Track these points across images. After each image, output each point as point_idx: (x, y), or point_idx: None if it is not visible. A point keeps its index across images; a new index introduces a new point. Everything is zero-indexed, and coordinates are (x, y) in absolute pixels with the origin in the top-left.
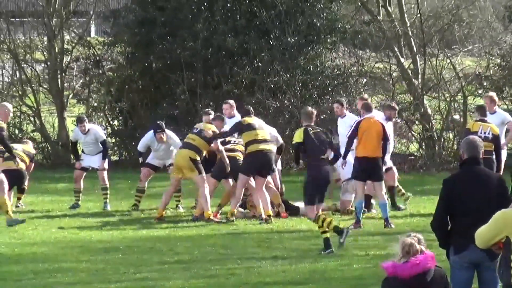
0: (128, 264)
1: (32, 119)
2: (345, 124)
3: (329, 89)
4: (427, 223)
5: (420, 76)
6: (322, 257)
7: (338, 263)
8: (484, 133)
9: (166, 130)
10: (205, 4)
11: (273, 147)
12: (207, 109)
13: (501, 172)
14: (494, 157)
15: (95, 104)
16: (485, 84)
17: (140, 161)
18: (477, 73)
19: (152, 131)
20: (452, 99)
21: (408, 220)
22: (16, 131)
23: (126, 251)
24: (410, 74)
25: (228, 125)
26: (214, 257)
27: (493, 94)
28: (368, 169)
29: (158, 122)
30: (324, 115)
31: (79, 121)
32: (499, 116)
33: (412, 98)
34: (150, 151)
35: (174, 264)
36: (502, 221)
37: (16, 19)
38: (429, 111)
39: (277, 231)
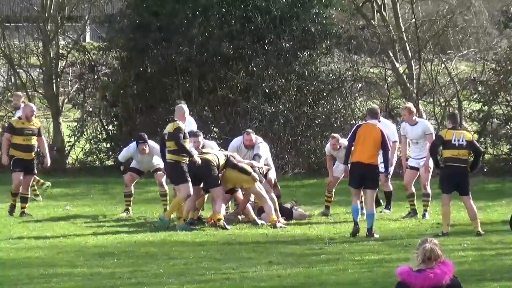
0: (123, 269)
1: None
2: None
3: (324, 94)
4: (421, 229)
5: (415, 81)
6: (317, 262)
7: (333, 268)
8: (458, 140)
9: (149, 141)
10: (200, 9)
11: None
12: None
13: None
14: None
15: (90, 109)
16: (480, 89)
17: (122, 169)
18: (472, 78)
19: (134, 142)
20: (447, 104)
21: (403, 225)
22: None
23: (121, 256)
24: (405, 79)
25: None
26: (209, 262)
27: (410, 105)
28: (361, 175)
29: (140, 133)
30: (319, 120)
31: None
32: (421, 126)
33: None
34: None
35: (169, 269)
36: None
37: (11, 24)
38: (424, 116)
39: (272, 236)
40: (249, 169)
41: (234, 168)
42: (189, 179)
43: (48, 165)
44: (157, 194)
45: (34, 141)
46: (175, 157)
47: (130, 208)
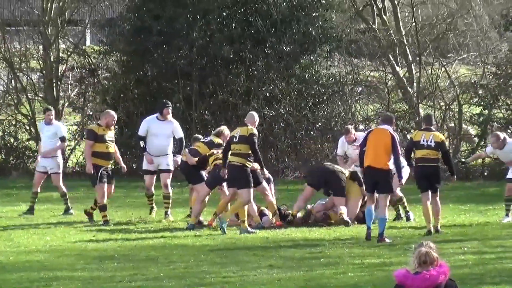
0: (123, 272)
1: (27, 127)
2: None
3: (325, 97)
4: (422, 232)
5: (415, 84)
6: (317, 265)
7: (333, 271)
8: (426, 141)
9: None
10: (201, 13)
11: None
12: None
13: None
14: (440, 164)
15: (91, 113)
16: (480, 92)
17: (142, 146)
18: (472, 81)
19: (153, 115)
20: (447, 107)
21: (403, 229)
22: (12, 140)
23: (121, 259)
24: (406, 83)
25: None
26: (209, 266)
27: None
28: (373, 180)
29: (164, 100)
30: (319, 124)
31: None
32: None
33: (407, 107)
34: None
35: (169, 273)
36: None
37: (12, 28)
38: None
39: (273, 240)
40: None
41: None
42: (252, 184)
43: (125, 170)
44: (157, 198)
45: (113, 148)
46: (242, 160)
47: (153, 206)
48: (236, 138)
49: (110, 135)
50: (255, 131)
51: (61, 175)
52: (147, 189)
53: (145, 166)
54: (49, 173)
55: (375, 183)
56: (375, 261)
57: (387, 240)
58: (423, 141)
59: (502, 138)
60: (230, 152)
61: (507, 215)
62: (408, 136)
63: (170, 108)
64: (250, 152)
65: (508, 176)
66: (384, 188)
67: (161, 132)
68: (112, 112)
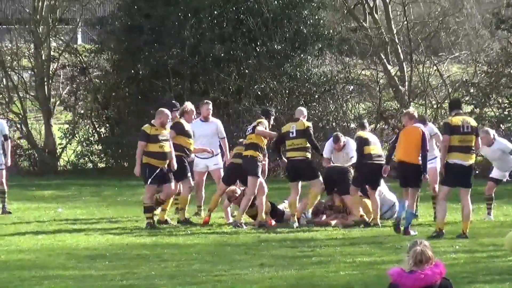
0: (115, 271)
1: (18, 126)
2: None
3: (316, 96)
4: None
5: (407, 83)
6: (309, 264)
7: (325, 270)
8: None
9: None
10: (192, 11)
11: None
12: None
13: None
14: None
15: (82, 112)
16: (471, 91)
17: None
18: (464, 80)
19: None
20: (438, 106)
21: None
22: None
23: (113, 258)
24: (397, 81)
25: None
26: (201, 264)
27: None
28: (404, 174)
29: (173, 101)
30: (311, 122)
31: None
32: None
33: (399, 105)
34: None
35: (160, 271)
36: None
37: (3, 26)
38: None
39: (264, 238)
40: None
41: None
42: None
43: (175, 168)
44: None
45: (168, 148)
46: (304, 153)
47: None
48: (293, 134)
49: (165, 134)
50: (310, 124)
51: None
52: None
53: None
54: None
55: (406, 177)
56: (367, 259)
57: (412, 232)
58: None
59: (491, 135)
60: (288, 147)
61: (489, 213)
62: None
63: (178, 111)
64: (308, 144)
65: (490, 175)
66: (413, 183)
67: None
68: (167, 111)
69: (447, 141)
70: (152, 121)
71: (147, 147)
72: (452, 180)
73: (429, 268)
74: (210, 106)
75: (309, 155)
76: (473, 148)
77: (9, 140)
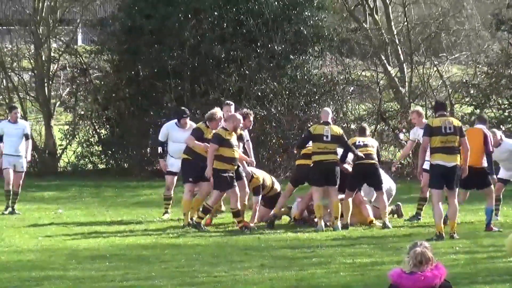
0: (115, 272)
1: None
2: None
3: (316, 97)
4: (414, 232)
5: (407, 84)
6: (309, 265)
7: (325, 271)
8: (363, 142)
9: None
10: (192, 12)
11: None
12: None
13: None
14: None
15: (82, 112)
16: (472, 92)
17: (160, 152)
18: (464, 81)
19: (172, 121)
20: None
21: (394, 229)
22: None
23: (113, 259)
24: (397, 82)
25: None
26: (201, 265)
27: (418, 108)
28: (471, 177)
29: (183, 108)
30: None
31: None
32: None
33: (399, 106)
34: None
35: (161, 272)
36: None
37: (3, 27)
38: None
39: (264, 240)
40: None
41: None
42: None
43: (254, 164)
44: (149, 197)
45: (238, 153)
46: (336, 157)
47: (169, 210)
48: (327, 138)
49: (235, 139)
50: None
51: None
52: (167, 189)
53: (169, 167)
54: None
55: (471, 181)
56: (367, 260)
57: (494, 228)
58: (359, 142)
59: (499, 136)
60: (318, 150)
61: (496, 214)
62: (401, 136)
63: (188, 117)
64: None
65: (498, 176)
66: (483, 184)
67: (180, 136)
68: (239, 116)
69: (426, 143)
70: (225, 125)
71: (219, 151)
72: (438, 181)
73: (429, 269)
74: (233, 108)
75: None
76: (458, 149)
77: (30, 140)
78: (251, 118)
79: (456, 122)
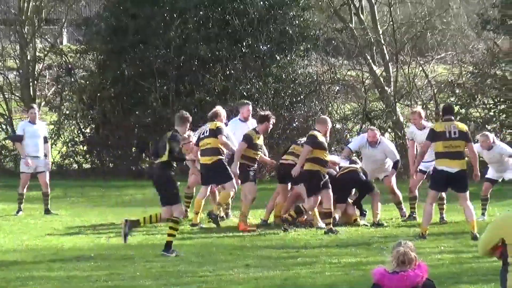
0: (100, 272)
1: (4, 127)
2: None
3: (302, 96)
4: (399, 232)
5: (392, 83)
6: (294, 264)
7: (310, 271)
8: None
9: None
10: (178, 12)
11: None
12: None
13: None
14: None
15: (67, 112)
16: (457, 91)
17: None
18: (450, 80)
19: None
20: (424, 106)
21: (379, 228)
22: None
23: (98, 259)
24: (383, 82)
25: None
26: (186, 265)
27: (419, 109)
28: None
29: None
30: (297, 123)
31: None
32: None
33: (384, 106)
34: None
35: (146, 272)
36: (500, 222)
37: None
38: (401, 118)
39: (249, 240)
40: None
41: None
42: None
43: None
44: (134, 197)
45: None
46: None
47: (188, 209)
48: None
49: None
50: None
51: None
52: (188, 187)
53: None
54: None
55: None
56: (352, 260)
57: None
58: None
59: (491, 139)
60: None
61: (483, 214)
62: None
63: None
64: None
65: (486, 176)
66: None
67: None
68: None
69: (426, 147)
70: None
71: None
72: (439, 185)
73: (411, 269)
74: (250, 107)
75: None
76: (463, 154)
77: (48, 142)
78: (250, 108)
79: (462, 127)
